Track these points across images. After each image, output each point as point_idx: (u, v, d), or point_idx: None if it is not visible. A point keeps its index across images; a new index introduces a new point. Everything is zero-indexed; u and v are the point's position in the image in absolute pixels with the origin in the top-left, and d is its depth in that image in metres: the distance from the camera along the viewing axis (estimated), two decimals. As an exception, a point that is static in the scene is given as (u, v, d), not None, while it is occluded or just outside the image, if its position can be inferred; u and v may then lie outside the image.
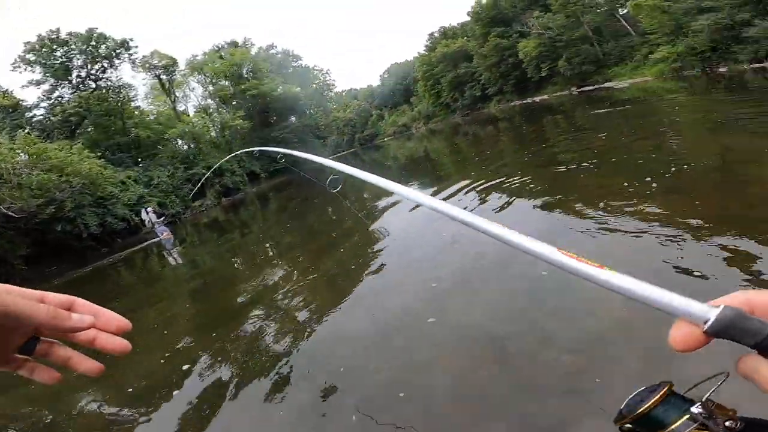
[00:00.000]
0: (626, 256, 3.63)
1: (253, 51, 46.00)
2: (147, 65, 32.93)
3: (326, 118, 50.21)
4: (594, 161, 7.16)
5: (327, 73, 60.45)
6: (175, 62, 34.71)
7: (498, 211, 5.91)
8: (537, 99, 35.45)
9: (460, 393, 2.56)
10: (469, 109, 48.96)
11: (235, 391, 3.34)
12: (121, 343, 0.46)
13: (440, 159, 16.57)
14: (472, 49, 45.66)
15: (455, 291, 3.89)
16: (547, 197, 5.87)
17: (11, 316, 0.36)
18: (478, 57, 44.15)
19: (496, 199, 6.57)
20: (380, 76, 76.26)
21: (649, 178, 5.20)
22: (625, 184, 5.33)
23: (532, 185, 6.75)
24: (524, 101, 37.66)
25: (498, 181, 7.51)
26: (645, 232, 3.84)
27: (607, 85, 27.75)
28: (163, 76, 34.43)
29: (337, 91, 61.07)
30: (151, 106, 35.11)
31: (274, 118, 41.91)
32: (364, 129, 67.02)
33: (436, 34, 59.60)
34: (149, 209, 14.42)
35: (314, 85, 51.10)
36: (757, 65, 18.15)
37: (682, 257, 3.23)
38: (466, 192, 7.46)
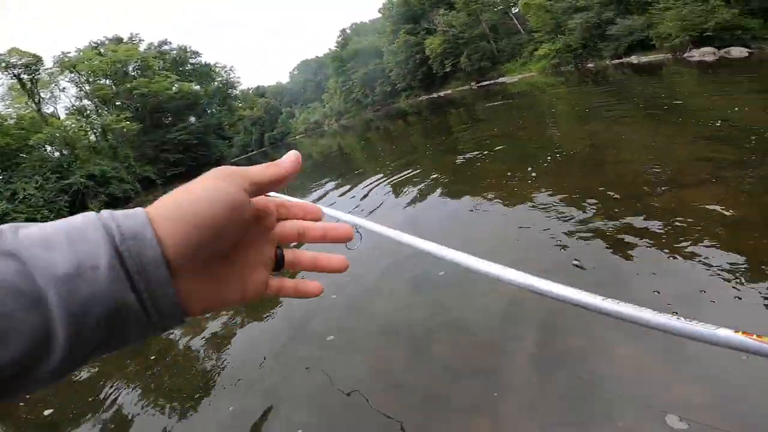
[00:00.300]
0: (506, 238, 3.65)
1: (142, 47, 41.08)
2: (3, 64, 27.50)
3: (231, 117, 46.77)
4: (486, 152, 7.40)
5: (231, 69, 56.58)
6: (39, 60, 29.45)
7: (391, 203, 5.76)
8: (442, 93, 37.13)
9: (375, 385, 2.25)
10: (380, 105, 49.60)
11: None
12: (348, 229, 0.40)
13: (353, 154, 16.28)
14: (383, 46, 46.35)
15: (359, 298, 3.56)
16: (442, 187, 5.89)
17: (261, 185, 0.32)
18: (389, 53, 44.95)
19: (389, 192, 6.45)
20: (290, 72, 73.64)
21: (530, 168, 5.44)
22: (509, 173, 5.52)
23: (430, 177, 6.73)
24: (431, 96, 39.20)
25: (401, 174, 7.40)
26: (523, 215, 3.92)
27: (501, 80, 30.03)
28: (24, 76, 29.04)
29: (242, 89, 57.27)
30: (10, 110, 29.37)
31: (170, 118, 37.83)
32: (274, 127, 63.68)
33: (348, 31, 59.31)
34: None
35: (216, 83, 47.29)
36: (617, 61, 21.01)
37: (561, 243, 3.29)
38: (366, 186, 7.23)
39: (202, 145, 37.86)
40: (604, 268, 2.84)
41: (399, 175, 7.30)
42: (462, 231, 4.25)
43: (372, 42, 50.56)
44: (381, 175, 7.82)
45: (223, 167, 0.31)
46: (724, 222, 2.98)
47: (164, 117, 37.46)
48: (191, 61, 45.89)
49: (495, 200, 4.64)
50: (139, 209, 0.27)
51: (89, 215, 0.26)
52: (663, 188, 3.80)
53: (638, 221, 3.25)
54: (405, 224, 4.88)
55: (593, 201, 3.87)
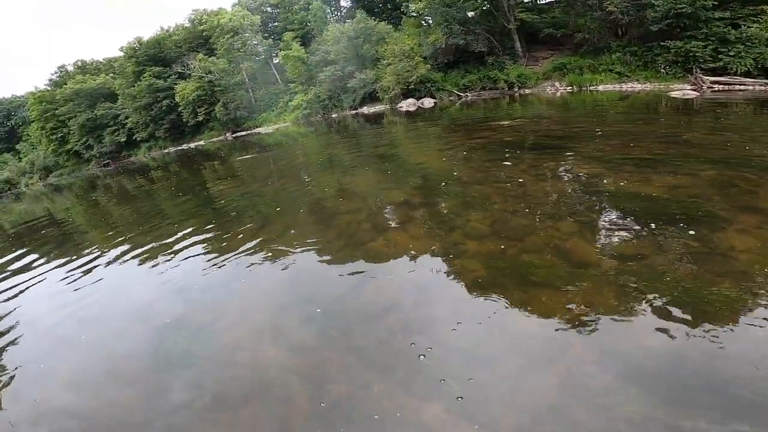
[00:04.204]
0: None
1: None
2: None
3: None
4: (234, 213, 7.13)
5: None
6: None
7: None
8: (193, 145, 34.66)
9: None
10: (112, 158, 41.21)
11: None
12: None
13: (73, 220, 12.33)
14: (118, 88, 39.29)
15: None
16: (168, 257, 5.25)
17: None
18: (125, 97, 38.44)
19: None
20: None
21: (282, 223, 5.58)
22: (261, 228, 5.53)
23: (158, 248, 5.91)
24: (180, 147, 35.83)
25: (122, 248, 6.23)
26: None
27: (257, 130, 30.70)
28: None
29: None
30: None
31: None
32: None
33: (69, 68, 47.48)
34: None
35: None
36: (353, 111, 25.10)
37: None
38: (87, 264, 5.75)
39: None
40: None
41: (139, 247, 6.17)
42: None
43: (102, 82, 42.11)
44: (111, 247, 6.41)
45: None
46: (416, 250, 3.90)
47: None
48: None
49: (260, 258, 4.52)
50: None
51: None
52: (377, 233, 4.64)
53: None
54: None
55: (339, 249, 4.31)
